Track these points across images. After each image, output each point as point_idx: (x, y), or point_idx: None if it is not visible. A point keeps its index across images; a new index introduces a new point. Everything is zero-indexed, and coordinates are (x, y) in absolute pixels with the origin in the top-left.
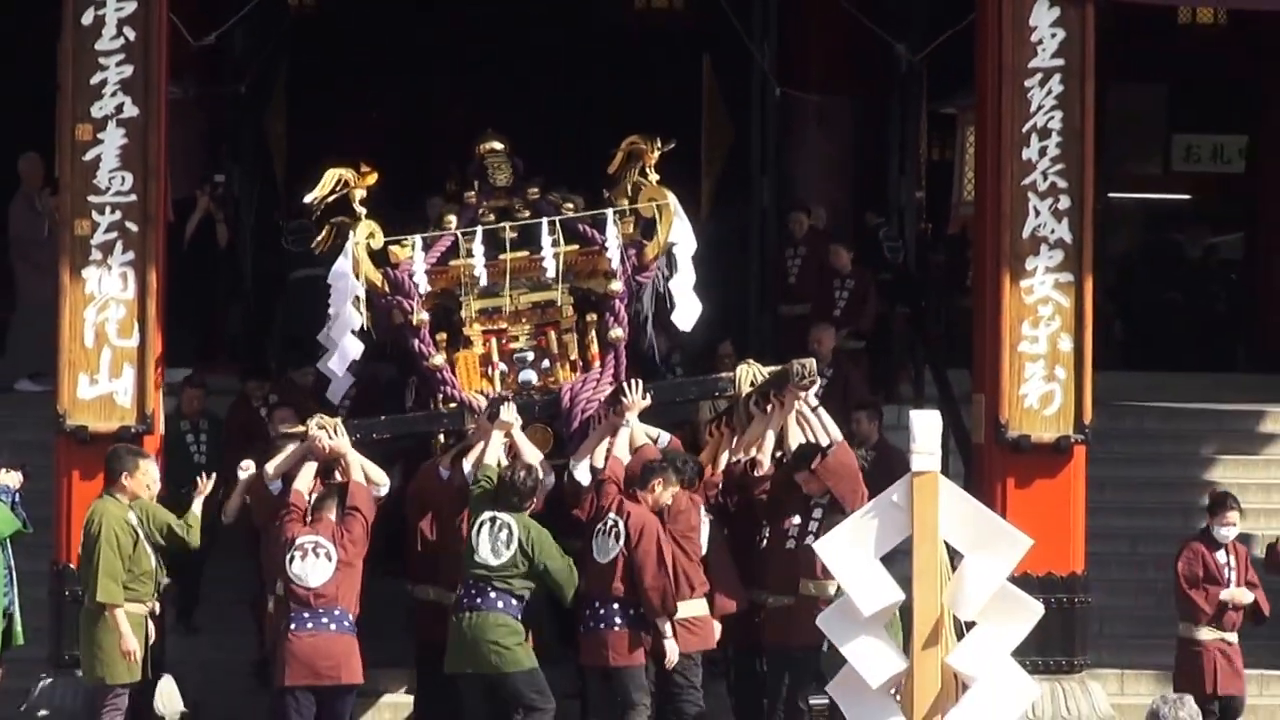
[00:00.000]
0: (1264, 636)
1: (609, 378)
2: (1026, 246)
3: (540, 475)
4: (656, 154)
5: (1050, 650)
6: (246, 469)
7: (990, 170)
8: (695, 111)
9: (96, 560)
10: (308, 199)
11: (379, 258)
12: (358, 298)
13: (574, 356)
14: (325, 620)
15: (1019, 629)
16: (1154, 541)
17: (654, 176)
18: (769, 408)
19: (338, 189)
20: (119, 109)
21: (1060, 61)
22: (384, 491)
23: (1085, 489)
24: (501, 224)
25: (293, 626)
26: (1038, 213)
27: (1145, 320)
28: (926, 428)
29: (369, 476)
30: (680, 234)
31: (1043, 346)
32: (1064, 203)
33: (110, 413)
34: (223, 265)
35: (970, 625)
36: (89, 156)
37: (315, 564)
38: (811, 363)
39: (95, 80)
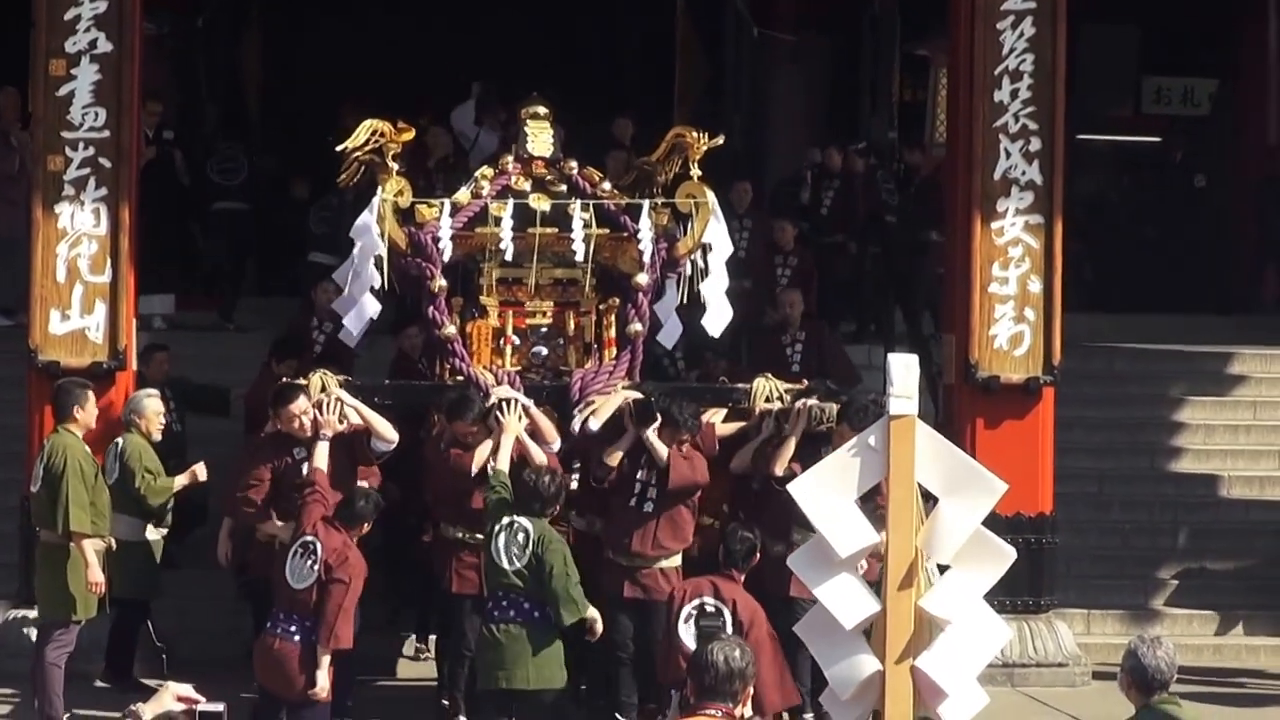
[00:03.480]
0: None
1: (622, 371)
2: (997, 188)
3: (563, 481)
4: (703, 148)
5: (1018, 590)
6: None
7: (962, 112)
8: (668, 50)
9: (65, 491)
10: (340, 146)
11: (404, 217)
12: (379, 257)
13: (588, 339)
14: (294, 630)
15: (992, 573)
16: (1120, 482)
17: (696, 172)
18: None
19: (373, 140)
20: (93, 44)
21: (1032, 4)
22: (390, 447)
23: (1054, 430)
24: (535, 195)
25: (268, 624)
26: (1009, 155)
27: (1116, 261)
28: (904, 370)
29: (376, 429)
30: (716, 235)
31: (1013, 288)
32: (1035, 145)
33: (82, 348)
34: (188, 202)
35: (943, 569)
36: (62, 92)
37: (304, 567)
38: (831, 409)
39: (69, 15)
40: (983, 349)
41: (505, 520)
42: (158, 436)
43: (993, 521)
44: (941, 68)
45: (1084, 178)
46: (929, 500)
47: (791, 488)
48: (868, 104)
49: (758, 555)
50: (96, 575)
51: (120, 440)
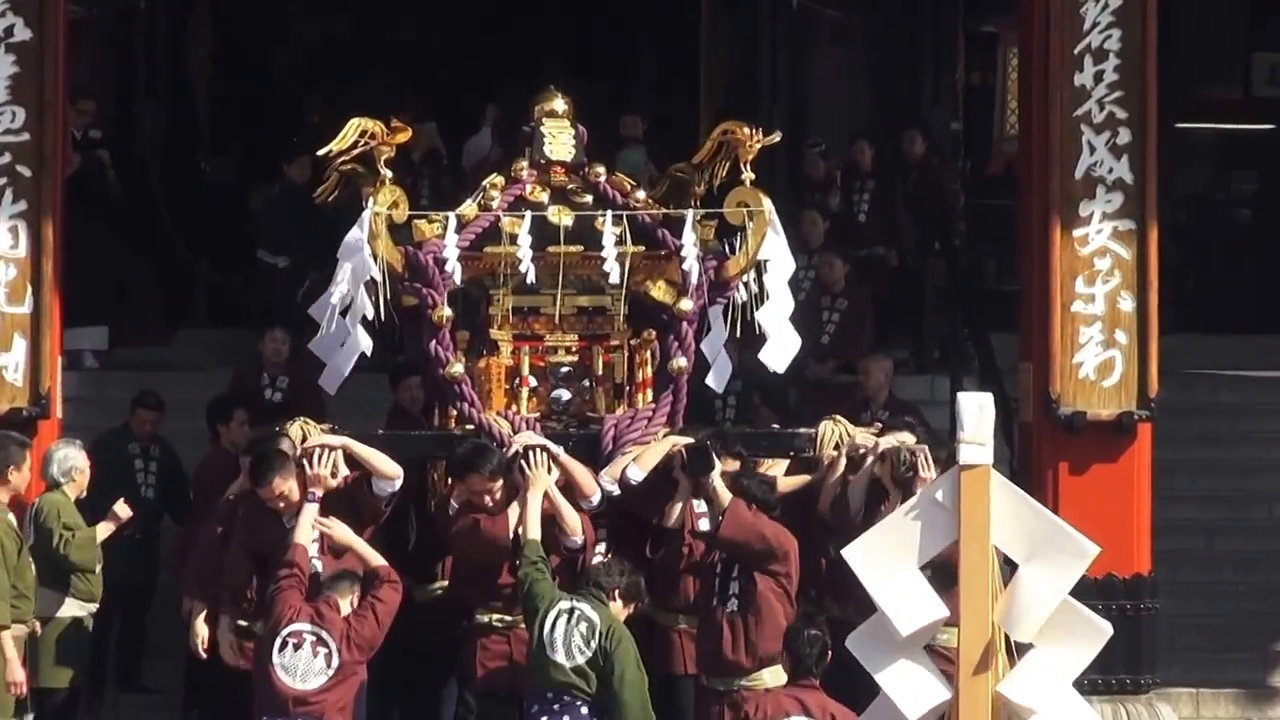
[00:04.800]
0: None
1: (663, 417)
2: (1080, 188)
3: (641, 581)
4: (757, 146)
5: (1112, 667)
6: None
7: (1037, 99)
8: (693, 29)
9: None
10: (323, 150)
11: (400, 234)
12: (373, 279)
13: (619, 379)
14: None
15: (1083, 653)
16: (1232, 536)
17: (749, 175)
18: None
19: (360, 143)
20: (8, 31)
21: None
22: (396, 486)
23: (1151, 475)
24: (555, 207)
25: None
26: (1093, 149)
27: (1223, 272)
28: (977, 412)
29: (375, 468)
30: (774, 250)
31: (1100, 307)
32: (1123, 136)
33: None
34: (119, 221)
35: (1026, 648)
36: None
37: (310, 662)
38: (923, 452)
39: None
40: (1065, 380)
41: (562, 605)
42: (83, 493)
43: (1081, 587)
44: (1012, 46)
45: (1184, 174)
46: (1007, 566)
47: (847, 554)
48: (928, 90)
49: (830, 653)
50: (15, 674)
51: (38, 500)
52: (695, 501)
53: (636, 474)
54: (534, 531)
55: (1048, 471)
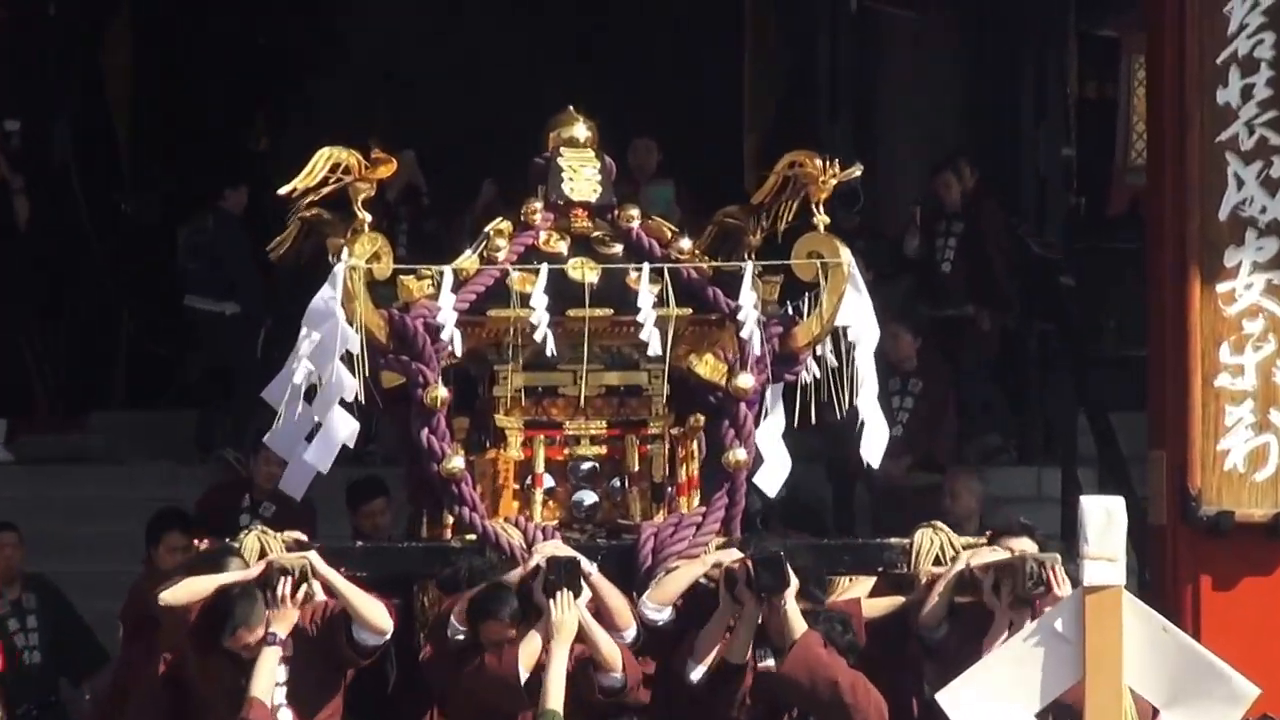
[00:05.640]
0: None
1: (715, 524)
2: (1225, 232)
3: None
4: (832, 183)
5: None
6: None
7: (1169, 119)
8: (734, 34)
9: None
10: (284, 189)
11: (382, 293)
12: (350, 353)
13: (659, 478)
14: None
15: None
16: None
17: (823, 219)
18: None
19: (331, 179)
20: None
21: None
22: (382, 640)
23: None
24: (577, 260)
25: None
26: (1240, 182)
27: None
28: (1104, 520)
29: (359, 614)
30: (855, 314)
31: (1250, 380)
32: (1279, 168)
33: None
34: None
35: None
36: None
37: None
38: (1054, 560)
39: None
40: (1208, 472)
41: None
42: None
43: None
44: (1138, 54)
45: None
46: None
47: (943, 699)
48: (1031, 107)
49: None
50: None
51: None
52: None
53: (657, 613)
54: (555, 699)
55: (1186, 587)
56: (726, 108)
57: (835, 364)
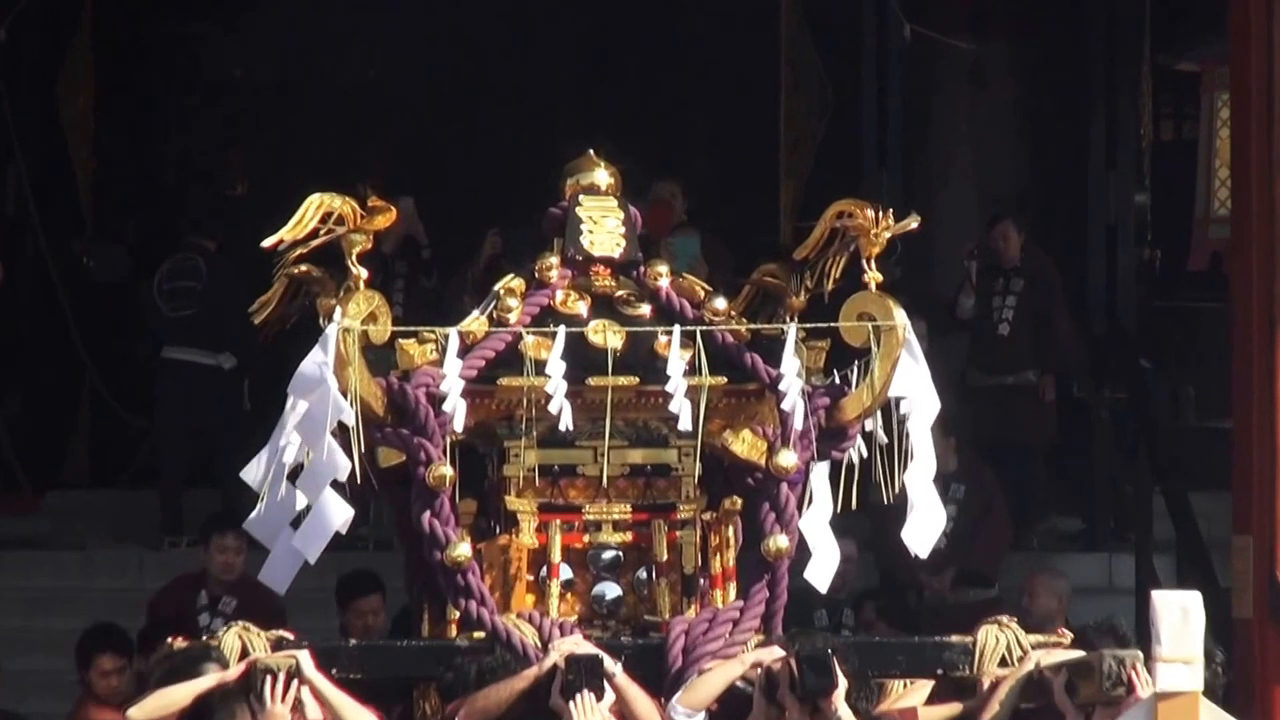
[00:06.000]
0: None
1: (753, 620)
2: None
3: None
4: (886, 236)
5: None
6: None
7: (1256, 165)
8: (769, 65)
9: None
10: (269, 241)
11: (378, 359)
12: (343, 426)
13: (690, 569)
14: None
15: None
16: None
17: (875, 277)
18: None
19: (322, 230)
20: None
21: None
22: None
23: None
24: (599, 323)
25: None
26: None
27: None
28: (1179, 618)
29: None
30: (911, 383)
31: None
32: None
33: None
34: None
35: None
36: None
37: None
38: (1135, 657)
39: None
40: None
41: None
42: None
43: None
44: (1221, 91)
45: None
46: None
47: None
48: (1100, 150)
49: None
50: None
51: None
52: None
53: (689, 719)
54: None
55: (1275, 689)
56: (759, 150)
57: (885, 440)
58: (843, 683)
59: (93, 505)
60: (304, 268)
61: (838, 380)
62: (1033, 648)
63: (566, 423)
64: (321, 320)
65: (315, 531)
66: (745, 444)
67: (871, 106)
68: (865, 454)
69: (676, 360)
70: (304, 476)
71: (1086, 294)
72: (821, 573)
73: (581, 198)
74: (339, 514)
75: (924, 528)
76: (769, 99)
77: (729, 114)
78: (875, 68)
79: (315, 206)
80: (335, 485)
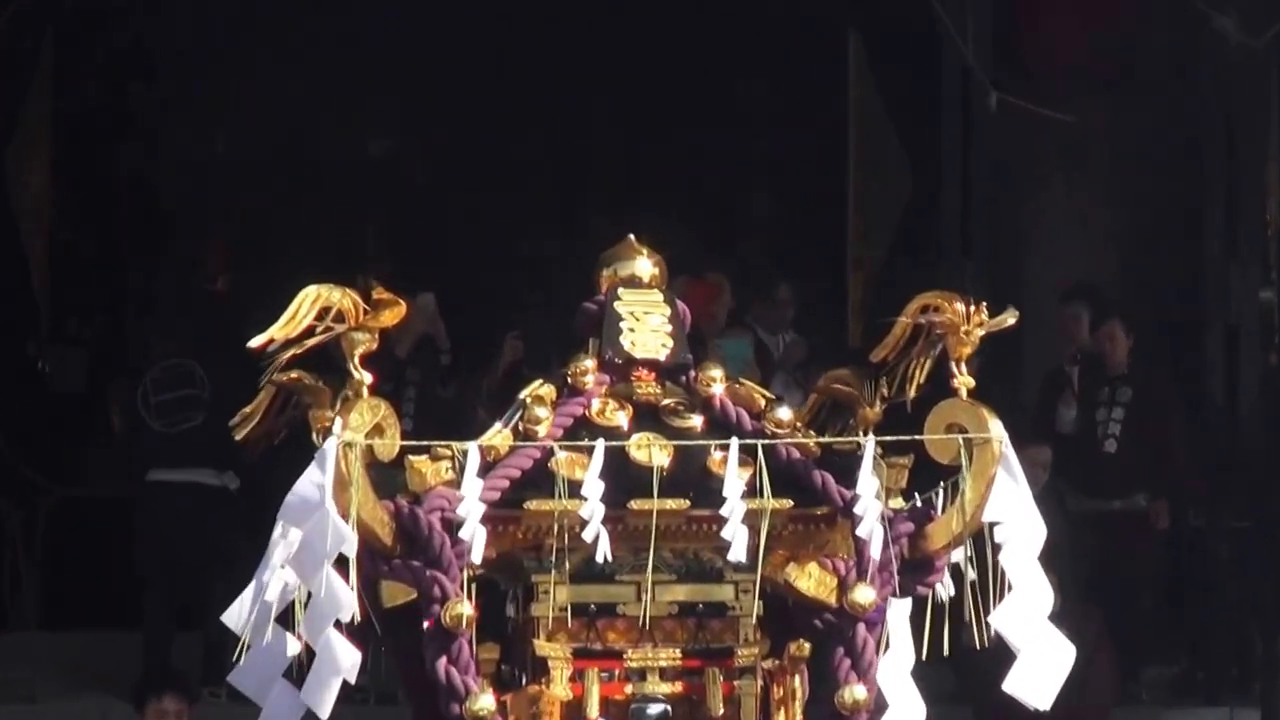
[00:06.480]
0: None
1: None
2: None
3: None
4: (979, 334)
5: None
6: None
7: None
8: (836, 138)
9: None
10: (256, 342)
11: (384, 478)
12: (342, 558)
13: None
14: None
15: None
16: None
17: (965, 381)
18: None
19: (319, 328)
20: None
21: None
22: None
23: None
24: (642, 437)
25: None
26: None
27: None
28: None
29: None
30: (1009, 507)
31: None
32: None
33: None
34: None
35: None
36: None
37: None
38: None
39: None
40: None
41: None
42: None
43: None
44: None
45: None
46: None
47: None
48: (1217, 235)
49: None
50: None
51: None
52: None
53: None
54: None
55: None
56: (823, 236)
57: (975, 576)
58: None
59: (45, 650)
60: (294, 374)
61: (921, 503)
62: None
63: (605, 553)
64: (315, 436)
65: (323, 682)
66: (812, 579)
67: (954, 186)
68: (953, 591)
69: (734, 480)
70: (306, 618)
71: (1204, 406)
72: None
73: (620, 291)
74: (347, 659)
75: (1039, 674)
76: (835, 178)
77: (789, 194)
78: (958, 142)
79: (311, 300)
80: (337, 626)
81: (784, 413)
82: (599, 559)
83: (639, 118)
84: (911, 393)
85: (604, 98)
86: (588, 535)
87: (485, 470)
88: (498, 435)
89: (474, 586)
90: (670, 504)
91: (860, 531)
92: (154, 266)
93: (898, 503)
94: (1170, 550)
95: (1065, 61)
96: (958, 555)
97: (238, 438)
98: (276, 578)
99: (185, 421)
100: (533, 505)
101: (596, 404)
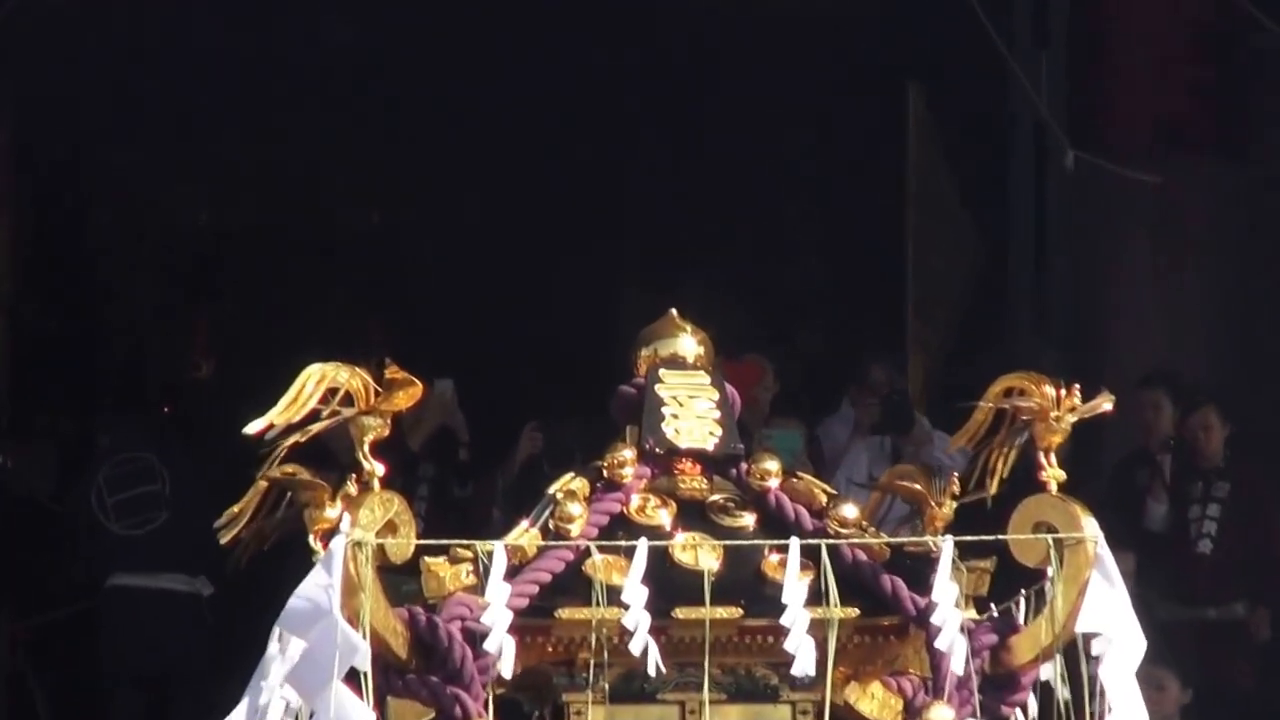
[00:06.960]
0: None
1: None
2: None
3: None
4: (1070, 420)
5: None
6: None
7: None
8: (891, 208)
9: None
10: (254, 427)
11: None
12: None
13: None
14: None
15: None
16: None
17: (1055, 474)
18: None
19: (324, 412)
20: None
21: None
22: None
23: None
24: (690, 537)
25: None
26: None
27: None
28: None
29: None
30: (1107, 616)
31: None
32: None
33: None
34: None
35: None
36: None
37: None
38: None
39: None
40: None
41: None
42: None
43: None
44: None
45: None
46: None
47: None
48: None
49: None
50: None
51: None
52: None
53: None
54: None
55: None
56: (878, 315)
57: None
58: None
59: None
60: (288, 468)
61: (1000, 612)
62: None
63: (655, 663)
64: (312, 539)
65: None
66: (875, 702)
67: (1026, 255)
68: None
69: (795, 585)
70: None
71: None
72: None
73: (661, 372)
74: None
75: None
76: (891, 250)
77: (837, 269)
78: (1031, 208)
79: (315, 380)
80: None
81: (849, 510)
82: (650, 671)
83: (676, 188)
84: (993, 487)
85: (643, 172)
86: (634, 646)
87: (512, 574)
88: (525, 535)
89: (498, 706)
90: (720, 612)
91: (939, 644)
92: (129, 352)
93: (972, 612)
94: (1271, 664)
95: (1149, 120)
96: (1046, 671)
97: (224, 540)
98: (276, 697)
99: (145, 524)
100: (565, 614)
101: (636, 500)
